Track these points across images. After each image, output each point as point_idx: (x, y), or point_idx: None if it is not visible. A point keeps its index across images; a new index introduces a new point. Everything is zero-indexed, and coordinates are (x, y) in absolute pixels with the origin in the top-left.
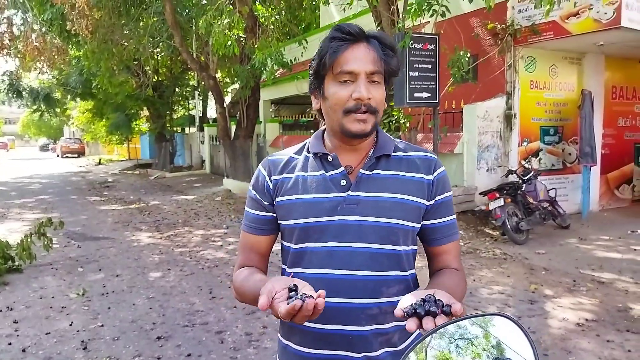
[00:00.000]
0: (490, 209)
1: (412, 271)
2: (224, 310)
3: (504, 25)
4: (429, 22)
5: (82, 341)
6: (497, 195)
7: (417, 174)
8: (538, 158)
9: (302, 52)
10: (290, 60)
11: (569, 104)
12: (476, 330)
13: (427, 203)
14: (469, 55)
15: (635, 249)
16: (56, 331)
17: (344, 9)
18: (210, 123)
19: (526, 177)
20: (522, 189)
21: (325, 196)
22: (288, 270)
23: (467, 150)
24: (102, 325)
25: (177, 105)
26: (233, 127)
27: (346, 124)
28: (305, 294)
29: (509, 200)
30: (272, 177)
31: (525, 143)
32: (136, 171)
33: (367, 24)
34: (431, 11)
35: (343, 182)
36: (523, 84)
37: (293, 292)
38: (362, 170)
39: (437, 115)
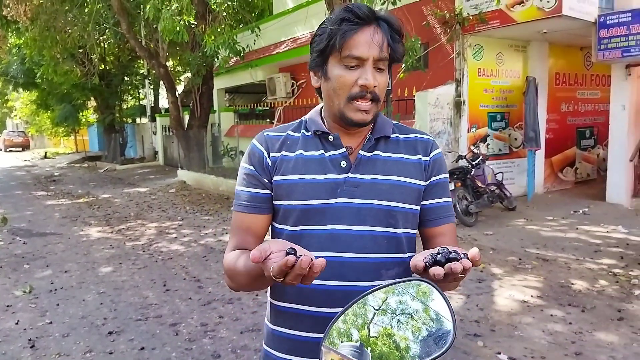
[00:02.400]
0: None
1: (412, 254)
2: (178, 302)
3: (452, 14)
4: (380, 10)
5: (30, 339)
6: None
7: (415, 155)
8: (486, 143)
9: (255, 40)
10: (243, 48)
11: (514, 91)
12: (417, 304)
13: (424, 184)
14: (420, 42)
15: (577, 228)
16: (1, 331)
17: None
18: (163, 113)
19: (475, 162)
20: (471, 174)
21: (325, 177)
22: None
23: None
24: (51, 323)
25: (127, 95)
26: (186, 117)
27: (347, 112)
28: (302, 255)
29: (459, 184)
30: (271, 154)
31: (473, 129)
32: (84, 164)
33: (319, 12)
34: None
35: (343, 164)
36: (471, 71)
37: (290, 255)
38: (361, 152)
39: (390, 103)
